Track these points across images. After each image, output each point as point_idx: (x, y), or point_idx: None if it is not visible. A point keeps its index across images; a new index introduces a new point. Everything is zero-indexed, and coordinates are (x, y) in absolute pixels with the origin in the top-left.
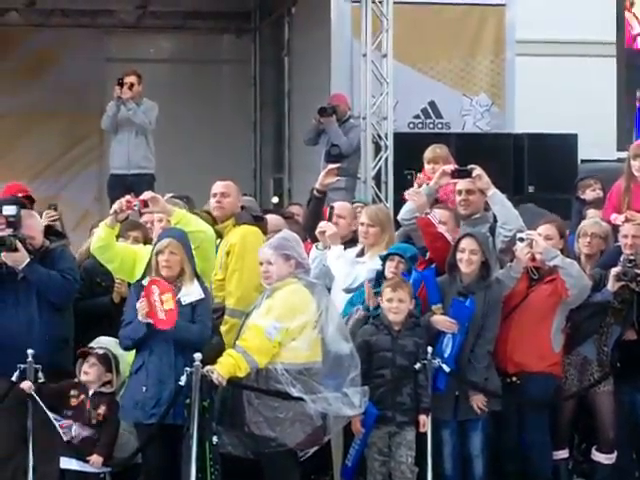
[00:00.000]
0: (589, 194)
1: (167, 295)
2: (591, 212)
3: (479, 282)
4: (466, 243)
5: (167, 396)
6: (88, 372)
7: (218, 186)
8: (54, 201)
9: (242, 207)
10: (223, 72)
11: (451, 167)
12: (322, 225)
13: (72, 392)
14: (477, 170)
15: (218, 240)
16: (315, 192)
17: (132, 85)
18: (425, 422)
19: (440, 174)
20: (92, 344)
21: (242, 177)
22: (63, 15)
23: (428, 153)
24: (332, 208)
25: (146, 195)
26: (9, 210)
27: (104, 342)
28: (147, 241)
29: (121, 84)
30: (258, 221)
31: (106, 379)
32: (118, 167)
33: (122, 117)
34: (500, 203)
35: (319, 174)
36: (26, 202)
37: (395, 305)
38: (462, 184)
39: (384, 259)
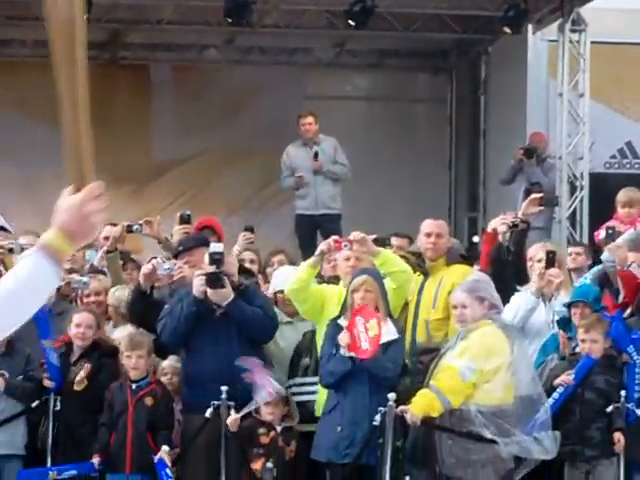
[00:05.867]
0: None
1: (372, 321)
2: None
3: None
4: None
5: (361, 436)
6: (273, 412)
7: (432, 226)
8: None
9: None
10: (418, 110)
11: None
12: (553, 273)
13: (260, 430)
14: None
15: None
16: (519, 222)
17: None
18: (620, 439)
19: None
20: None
21: (436, 216)
22: (261, 52)
23: (621, 196)
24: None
25: (356, 235)
26: (216, 247)
27: None
28: None
29: None
30: (466, 259)
31: (284, 413)
32: (306, 208)
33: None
34: None
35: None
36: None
37: (588, 346)
38: None
39: (569, 306)
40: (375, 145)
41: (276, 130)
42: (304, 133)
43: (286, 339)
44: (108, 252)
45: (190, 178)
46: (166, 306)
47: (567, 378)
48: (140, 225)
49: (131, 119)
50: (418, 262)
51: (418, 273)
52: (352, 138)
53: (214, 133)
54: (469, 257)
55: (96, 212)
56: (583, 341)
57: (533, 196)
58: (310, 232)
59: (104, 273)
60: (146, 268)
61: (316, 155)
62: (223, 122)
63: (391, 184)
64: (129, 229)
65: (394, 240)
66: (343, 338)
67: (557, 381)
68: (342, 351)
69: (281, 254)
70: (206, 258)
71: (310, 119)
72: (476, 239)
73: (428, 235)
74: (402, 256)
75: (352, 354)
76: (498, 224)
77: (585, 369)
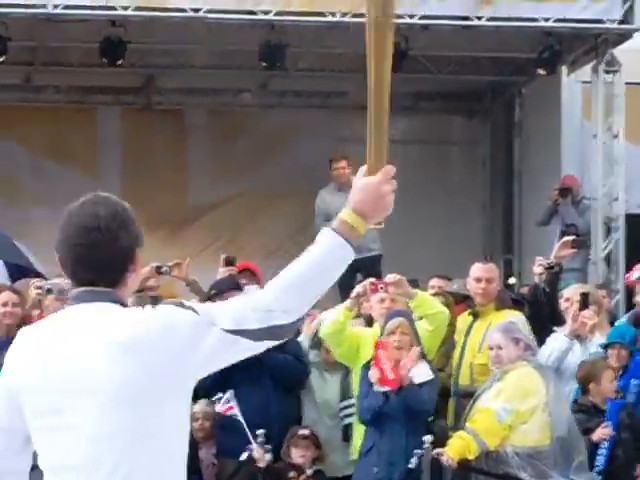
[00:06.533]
0: None
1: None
2: None
3: None
4: None
5: (397, 478)
6: (304, 455)
7: (481, 270)
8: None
9: None
10: (453, 153)
11: None
12: (587, 315)
13: (291, 474)
14: None
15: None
16: (551, 266)
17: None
18: None
19: None
20: None
21: (471, 258)
22: (295, 96)
23: None
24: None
25: (392, 278)
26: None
27: None
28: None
29: None
30: (517, 304)
31: (315, 456)
32: None
33: None
34: None
35: (550, 255)
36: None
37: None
38: None
39: (605, 347)
40: (410, 187)
41: (310, 174)
42: (337, 177)
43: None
44: (137, 291)
45: (225, 222)
46: None
47: (605, 431)
48: (169, 267)
49: (166, 163)
50: (468, 303)
51: (468, 312)
52: None
53: (248, 177)
54: (520, 301)
55: (390, 193)
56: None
57: (565, 239)
58: (350, 275)
59: None
60: None
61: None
62: (257, 166)
63: (424, 225)
64: (158, 270)
65: (435, 281)
66: (373, 374)
67: (596, 437)
68: (375, 387)
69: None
70: None
71: (343, 163)
72: (512, 281)
73: (478, 280)
74: (441, 294)
75: (385, 388)
76: (535, 267)
77: (615, 414)
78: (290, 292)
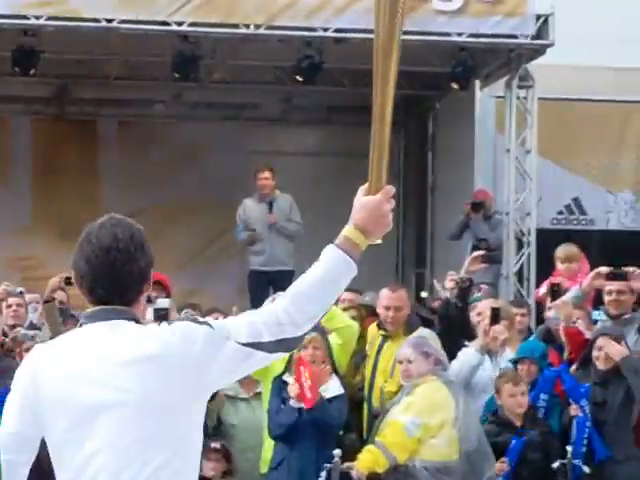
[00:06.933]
0: None
1: (308, 372)
2: None
3: (615, 374)
4: (602, 342)
5: None
6: (214, 468)
7: (390, 299)
8: (197, 291)
9: None
10: (366, 165)
11: (606, 269)
12: (497, 330)
13: None
14: (638, 270)
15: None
16: (461, 282)
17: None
18: None
19: (594, 276)
20: None
21: (384, 271)
22: (208, 108)
23: (560, 252)
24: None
25: None
26: (161, 303)
27: None
28: None
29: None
30: (427, 324)
31: (225, 469)
32: (260, 264)
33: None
34: None
35: (461, 269)
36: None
37: (520, 399)
38: (615, 285)
39: (515, 362)
40: (323, 200)
41: (223, 186)
42: (260, 188)
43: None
44: (45, 302)
45: None
46: None
47: (502, 466)
48: None
49: (78, 174)
50: (379, 322)
51: (381, 332)
52: (300, 194)
53: (161, 188)
54: (430, 320)
55: (390, 211)
56: (513, 395)
57: (475, 254)
58: (263, 288)
59: (39, 329)
60: None
61: (270, 207)
62: (170, 177)
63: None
64: (68, 280)
65: (345, 295)
66: (292, 389)
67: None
68: (292, 402)
69: (216, 312)
70: (150, 314)
71: (267, 174)
72: (424, 294)
73: (387, 308)
74: (352, 307)
75: (301, 404)
76: (447, 281)
77: (517, 452)
78: (299, 306)
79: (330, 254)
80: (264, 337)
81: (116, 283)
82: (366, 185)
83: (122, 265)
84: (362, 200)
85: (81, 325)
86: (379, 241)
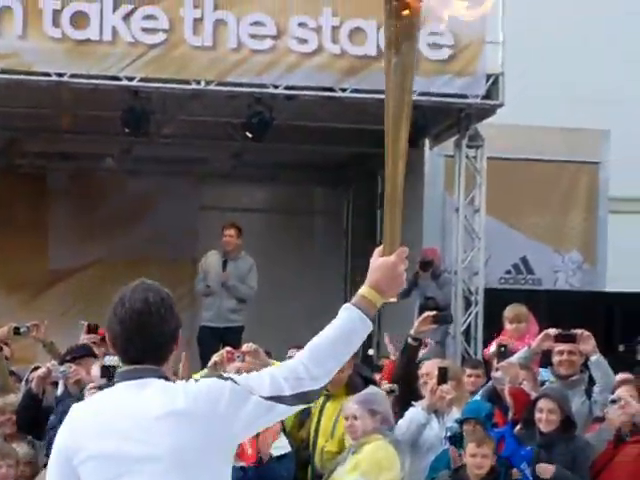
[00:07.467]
0: None
1: None
2: None
3: (560, 436)
4: (544, 404)
5: None
6: None
7: None
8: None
9: None
10: (315, 222)
11: (555, 331)
12: (444, 389)
13: None
14: (587, 333)
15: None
16: (410, 340)
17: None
18: None
19: (542, 338)
20: None
21: None
22: (157, 162)
23: (509, 312)
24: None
25: (248, 347)
26: (110, 360)
27: None
28: None
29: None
30: (370, 383)
31: None
32: (209, 320)
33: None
34: (603, 370)
35: (409, 328)
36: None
37: (479, 460)
38: (565, 345)
39: (461, 422)
40: (272, 256)
41: (172, 240)
42: (224, 245)
43: None
44: None
45: (85, 287)
46: (52, 417)
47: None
48: (27, 327)
49: (27, 226)
50: None
51: (324, 392)
52: (248, 250)
53: (109, 242)
54: (372, 379)
55: (404, 271)
56: (474, 456)
57: (426, 314)
58: (213, 344)
59: None
60: (41, 371)
61: (225, 264)
62: (119, 231)
63: (286, 295)
64: (16, 331)
65: (292, 352)
66: None
67: None
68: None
69: None
70: (96, 370)
71: (232, 232)
72: (371, 352)
73: None
74: None
75: (242, 463)
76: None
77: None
78: (317, 361)
79: (347, 312)
80: (285, 391)
81: (148, 344)
82: (381, 247)
83: (154, 327)
84: (378, 261)
85: (115, 383)
86: (394, 299)
